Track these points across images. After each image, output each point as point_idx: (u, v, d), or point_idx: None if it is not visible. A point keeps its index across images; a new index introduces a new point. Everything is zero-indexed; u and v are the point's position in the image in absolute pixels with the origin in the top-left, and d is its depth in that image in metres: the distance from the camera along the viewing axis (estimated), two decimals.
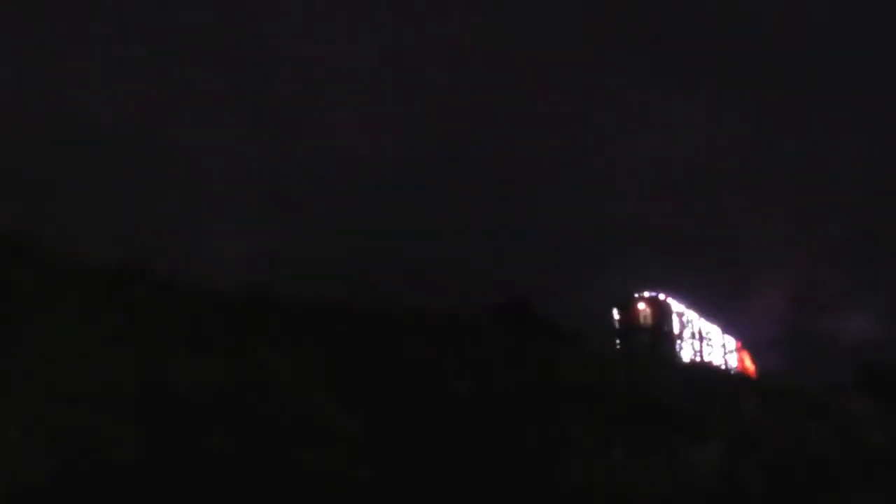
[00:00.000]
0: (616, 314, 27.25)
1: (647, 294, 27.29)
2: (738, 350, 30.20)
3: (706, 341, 28.29)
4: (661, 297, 27.23)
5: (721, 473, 16.47)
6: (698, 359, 27.50)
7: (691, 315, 28.26)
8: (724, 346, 29.39)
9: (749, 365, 30.63)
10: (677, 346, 27.09)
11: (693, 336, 27.84)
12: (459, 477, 13.17)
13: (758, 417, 18.80)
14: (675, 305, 27.66)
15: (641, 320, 27.01)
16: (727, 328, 29.99)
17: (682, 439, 16.82)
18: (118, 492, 10.16)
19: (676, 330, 27.15)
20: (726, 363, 28.81)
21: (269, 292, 16.33)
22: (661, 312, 27.01)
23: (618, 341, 26.81)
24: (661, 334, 26.85)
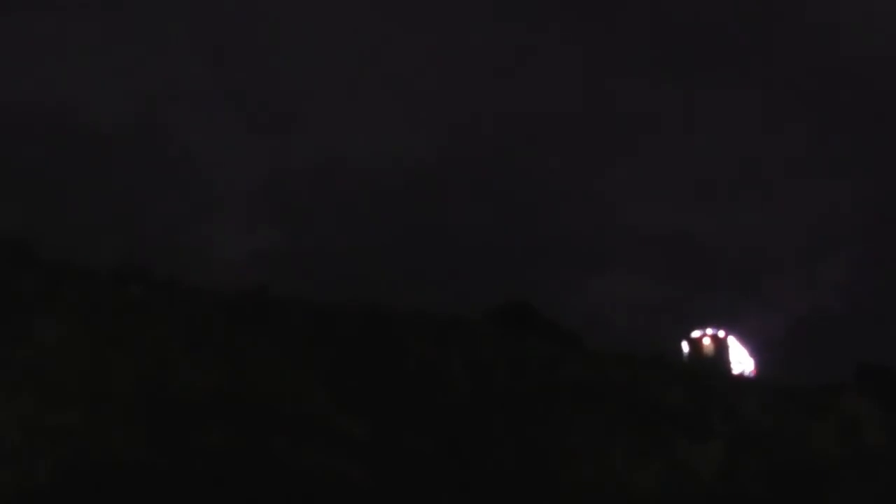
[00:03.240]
0: (685, 347, 33.60)
1: (709, 331, 34.27)
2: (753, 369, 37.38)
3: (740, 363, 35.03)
4: (721, 334, 34.25)
5: (721, 473, 16.46)
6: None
7: (736, 345, 34.79)
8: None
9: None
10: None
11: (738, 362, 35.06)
12: (460, 477, 13.18)
13: (758, 417, 18.77)
14: (730, 340, 34.36)
15: (706, 352, 33.76)
16: (751, 352, 36.20)
17: (682, 439, 16.82)
18: (118, 492, 10.16)
19: (732, 360, 33.83)
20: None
21: (268, 293, 16.34)
22: (721, 346, 34.09)
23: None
24: (720, 363, 33.15)
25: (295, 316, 15.63)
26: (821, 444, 18.61)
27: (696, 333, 34.43)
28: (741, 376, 31.16)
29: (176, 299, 14.59)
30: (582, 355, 19.84)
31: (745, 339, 36.04)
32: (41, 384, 10.96)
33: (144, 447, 10.80)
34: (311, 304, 16.35)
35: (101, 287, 13.92)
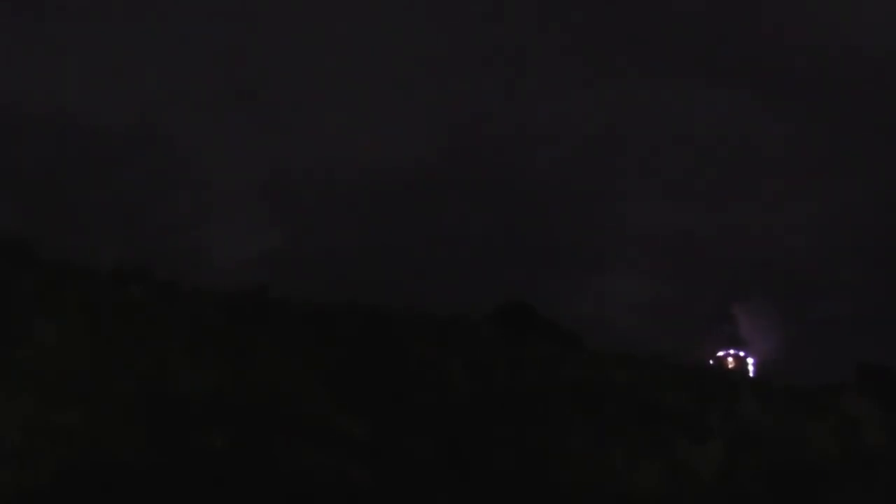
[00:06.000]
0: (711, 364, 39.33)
1: (732, 351, 42.28)
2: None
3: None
4: (741, 354, 42.16)
5: (721, 473, 16.48)
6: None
7: (751, 361, 42.09)
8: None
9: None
10: None
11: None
12: (460, 477, 13.19)
13: (758, 417, 18.80)
14: (748, 359, 41.98)
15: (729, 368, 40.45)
16: (756, 361, 42.79)
17: (682, 439, 16.83)
18: (118, 492, 10.17)
19: (750, 374, 39.88)
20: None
21: (268, 293, 16.33)
22: (741, 363, 41.71)
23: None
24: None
25: (295, 316, 15.63)
26: (821, 444, 18.62)
27: (720, 353, 41.32)
28: (742, 377, 32.30)
29: (176, 299, 14.60)
30: (582, 355, 19.85)
31: (744, 338, 41.98)
32: (41, 384, 10.96)
33: (144, 447, 10.80)
34: (311, 305, 16.36)
35: (101, 287, 13.92)
